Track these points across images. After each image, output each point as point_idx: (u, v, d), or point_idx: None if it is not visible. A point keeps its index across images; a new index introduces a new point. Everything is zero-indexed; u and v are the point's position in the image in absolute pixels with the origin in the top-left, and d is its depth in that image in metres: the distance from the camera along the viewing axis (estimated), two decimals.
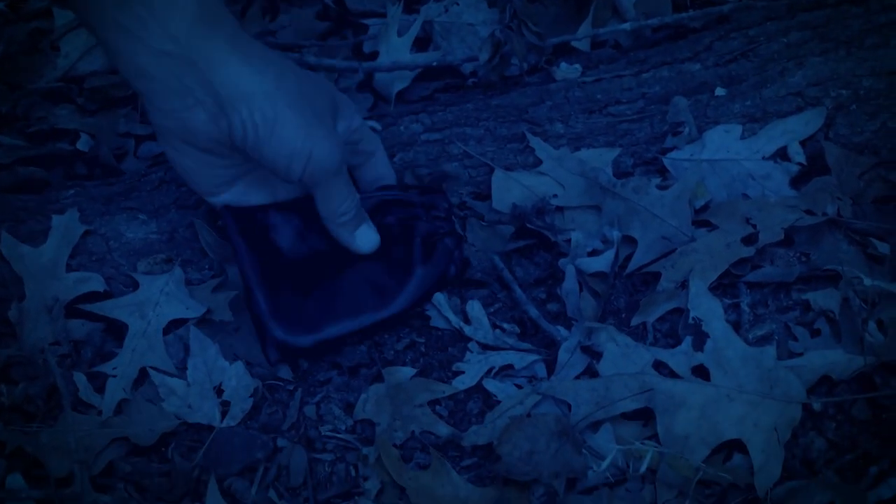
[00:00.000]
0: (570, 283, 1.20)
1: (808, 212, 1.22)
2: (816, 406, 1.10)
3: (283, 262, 1.17)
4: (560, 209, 1.26)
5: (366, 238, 1.17)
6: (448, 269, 1.19)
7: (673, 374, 1.11)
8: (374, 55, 1.48)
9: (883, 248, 1.20)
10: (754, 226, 1.21)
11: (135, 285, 1.18)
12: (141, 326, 1.15)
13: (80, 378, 1.12)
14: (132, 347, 1.14)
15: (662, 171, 1.29)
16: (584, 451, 1.08)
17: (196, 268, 1.21)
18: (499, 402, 1.13)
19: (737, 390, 1.09)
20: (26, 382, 1.13)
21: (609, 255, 1.21)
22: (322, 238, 1.17)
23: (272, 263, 1.16)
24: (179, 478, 1.08)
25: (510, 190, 1.27)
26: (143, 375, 1.14)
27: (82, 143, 1.39)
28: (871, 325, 1.13)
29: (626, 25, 1.43)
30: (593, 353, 1.14)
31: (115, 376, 1.13)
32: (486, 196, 1.27)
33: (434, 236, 1.19)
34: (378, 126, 1.33)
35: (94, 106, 1.44)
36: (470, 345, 1.18)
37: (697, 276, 1.17)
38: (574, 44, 1.46)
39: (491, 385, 1.15)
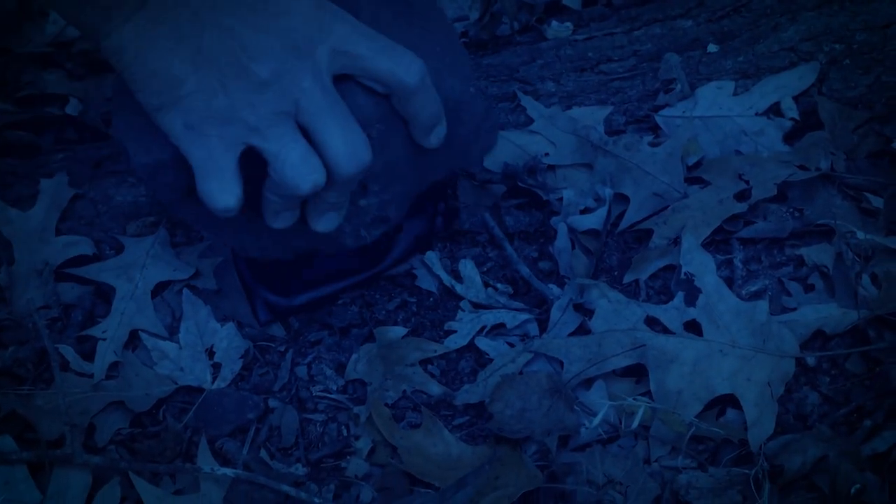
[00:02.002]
0: (562, 241, 1.19)
1: (802, 167, 1.22)
2: (810, 360, 1.10)
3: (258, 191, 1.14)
4: (552, 167, 1.26)
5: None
6: (434, 221, 1.19)
7: (665, 330, 1.11)
8: None
9: (876, 201, 1.20)
10: (747, 182, 1.21)
11: (122, 248, 1.18)
12: (129, 289, 1.15)
13: (67, 350, 1.12)
14: (121, 310, 1.14)
15: (654, 129, 1.28)
16: (576, 408, 1.07)
17: (184, 230, 1.20)
18: (491, 360, 1.13)
19: (729, 345, 1.08)
20: (16, 346, 1.12)
21: (601, 212, 1.21)
22: None
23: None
24: (171, 439, 1.07)
25: (501, 149, 1.26)
26: (134, 339, 1.14)
27: (71, 108, 1.39)
28: (865, 279, 1.13)
29: None
30: (585, 311, 1.13)
31: (104, 339, 1.12)
32: None
33: None
34: None
35: (82, 70, 1.43)
36: (462, 304, 1.17)
37: (690, 232, 1.16)
38: (565, 2, 1.45)
39: (483, 344, 1.14)
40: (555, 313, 1.14)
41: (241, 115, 0.94)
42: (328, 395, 1.12)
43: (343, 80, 1.00)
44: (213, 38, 0.93)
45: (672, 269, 1.17)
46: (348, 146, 0.96)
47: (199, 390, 1.11)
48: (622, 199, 1.22)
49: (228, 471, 1.03)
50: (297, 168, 0.95)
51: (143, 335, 1.13)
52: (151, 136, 1.00)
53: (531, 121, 1.28)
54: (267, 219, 1.02)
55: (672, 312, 1.11)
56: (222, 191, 0.95)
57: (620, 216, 1.22)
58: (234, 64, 0.93)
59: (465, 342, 1.14)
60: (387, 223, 1.09)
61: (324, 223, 1.02)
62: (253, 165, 0.98)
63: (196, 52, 0.93)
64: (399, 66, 1.00)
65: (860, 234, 1.14)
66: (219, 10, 0.93)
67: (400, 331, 1.15)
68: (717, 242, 1.19)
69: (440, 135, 1.06)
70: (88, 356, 1.12)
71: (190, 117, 0.94)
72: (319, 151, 0.96)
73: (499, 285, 1.18)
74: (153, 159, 1.01)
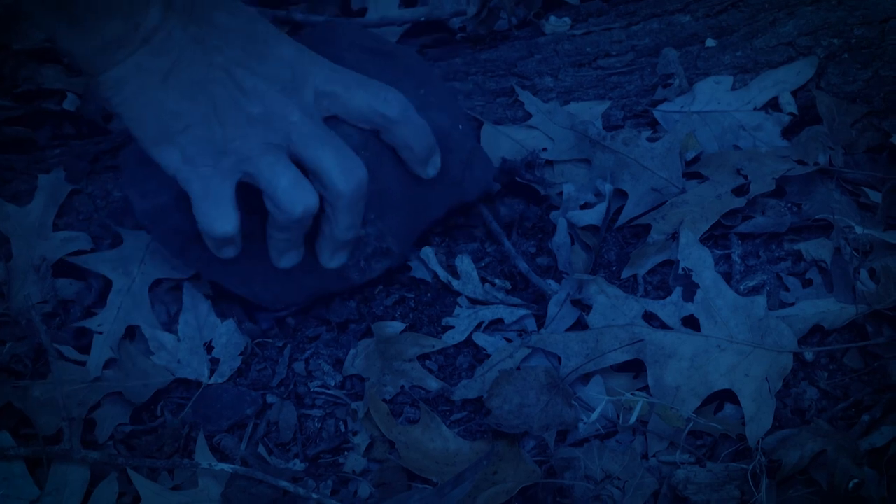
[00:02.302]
0: (561, 236, 1.19)
1: (800, 162, 1.22)
2: (808, 355, 1.10)
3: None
4: (550, 163, 1.26)
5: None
6: None
7: (663, 326, 1.10)
8: (362, 11, 1.47)
9: (875, 196, 1.20)
10: (745, 176, 1.21)
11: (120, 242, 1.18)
12: (125, 283, 1.14)
13: (67, 349, 1.12)
14: (117, 304, 1.14)
15: (653, 124, 1.28)
16: (574, 403, 1.07)
17: None
18: (489, 355, 1.13)
19: (727, 340, 1.08)
20: (14, 342, 1.12)
21: (601, 207, 1.20)
22: None
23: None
24: (168, 435, 1.07)
25: (500, 144, 1.26)
26: (132, 330, 1.14)
27: (69, 103, 1.38)
28: (863, 274, 1.12)
29: None
30: (583, 307, 1.13)
31: (100, 333, 1.12)
32: None
33: None
34: None
35: None
36: (459, 299, 1.17)
37: (688, 227, 1.16)
38: None
39: (481, 339, 1.14)
40: (552, 308, 1.14)
41: (235, 145, 0.98)
42: (326, 391, 1.12)
43: (328, 121, 1.06)
44: (210, 75, 0.98)
45: (670, 264, 1.17)
46: (341, 164, 1.01)
47: (197, 385, 1.11)
48: (620, 194, 1.22)
49: (226, 466, 1.03)
50: (288, 192, 1.00)
51: (141, 324, 1.13)
52: (152, 183, 1.06)
53: (529, 116, 1.28)
54: (273, 259, 1.08)
55: (670, 308, 1.11)
56: (220, 217, 1.00)
57: (619, 211, 1.22)
58: (229, 100, 0.98)
59: (462, 338, 1.14)
60: (389, 257, 1.13)
61: (336, 260, 1.09)
62: (255, 205, 1.03)
63: (194, 88, 0.97)
64: (377, 98, 1.05)
65: (858, 229, 1.14)
66: (215, 51, 0.98)
67: (398, 326, 1.15)
68: (715, 237, 1.19)
69: (436, 165, 1.12)
70: (86, 350, 1.12)
71: (188, 150, 0.99)
72: (315, 176, 1.01)
73: (496, 281, 1.18)
74: (154, 204, 1.08)
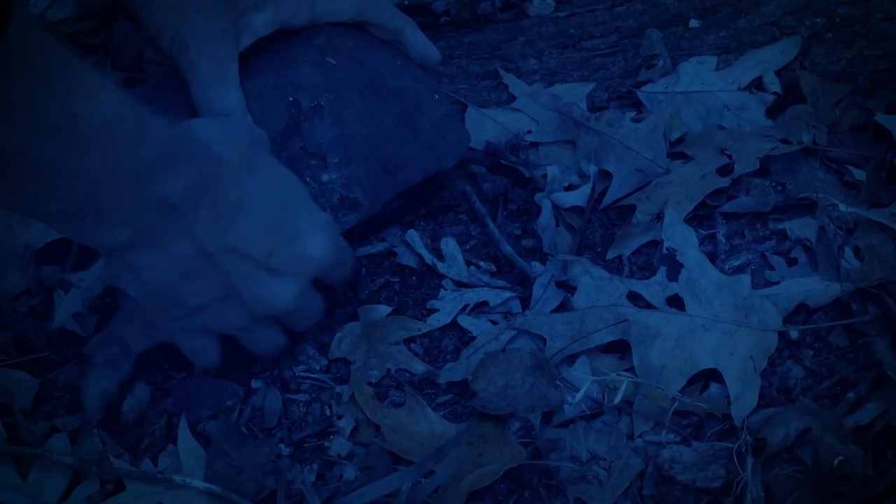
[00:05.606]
0: (546, 217, 1.19)
1: (784, 141, 1.22)
2: (793, 334, 1.10)
3: None
4: (535, 145, 1.26)
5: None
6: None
7: (648, 306, 1.10)
8: None
9: (859, 174, 1.20)
10: (730, 156, 1.21)
11: None
12: None
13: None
14: (101, 267, 1.13)
15: (637, 105, 1.28)
16: (559, 384, 1.07)
17: None
18: (474, 338, 1.12)
19: (712, 319, 1.08)
20: None
21: (585, 189, 1.20)
22: None
23: None
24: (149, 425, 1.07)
25: (484, 127, 1.26)
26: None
27: None
28: (848, 252, 1.12)
29: None
30: (568, 288, 1.13)
31: (79, 287, 1.12)
32: None
33: None
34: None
35: None
36: (444, 282, 1.17)
37: (672, 207, 1.16)
38: None
39: (466, 322, 1.14)
40: (537, 290, 1.13)
41: None
42: (311, 375, 1.12)
43: (293, 52, 1.10)
44: None
45: (655, 244, 1.17)
46: None
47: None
48: (605, 175, 1.22)
49: (199, 484, 1.01)
50: None
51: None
52: None
53: (513, 98, 1.28)
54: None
55: (655, 287, 1.11)
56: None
57: (603, 192, 1.22)
58: None
59: (448, 320, 1.14)
60: (358, 210, 1.10)
61: None
62: None
63: None
64: None
65: (843, 207, 1.14)
66: None
67: (384, 309, 1.15)
68: (700, 217, 1.19)
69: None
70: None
71: None
72: None
73: (481, 263, 1.18)
74: None
